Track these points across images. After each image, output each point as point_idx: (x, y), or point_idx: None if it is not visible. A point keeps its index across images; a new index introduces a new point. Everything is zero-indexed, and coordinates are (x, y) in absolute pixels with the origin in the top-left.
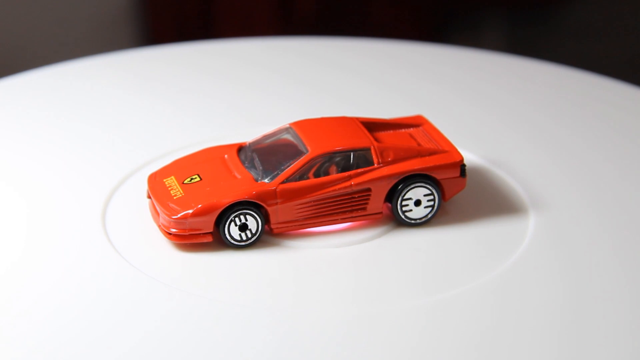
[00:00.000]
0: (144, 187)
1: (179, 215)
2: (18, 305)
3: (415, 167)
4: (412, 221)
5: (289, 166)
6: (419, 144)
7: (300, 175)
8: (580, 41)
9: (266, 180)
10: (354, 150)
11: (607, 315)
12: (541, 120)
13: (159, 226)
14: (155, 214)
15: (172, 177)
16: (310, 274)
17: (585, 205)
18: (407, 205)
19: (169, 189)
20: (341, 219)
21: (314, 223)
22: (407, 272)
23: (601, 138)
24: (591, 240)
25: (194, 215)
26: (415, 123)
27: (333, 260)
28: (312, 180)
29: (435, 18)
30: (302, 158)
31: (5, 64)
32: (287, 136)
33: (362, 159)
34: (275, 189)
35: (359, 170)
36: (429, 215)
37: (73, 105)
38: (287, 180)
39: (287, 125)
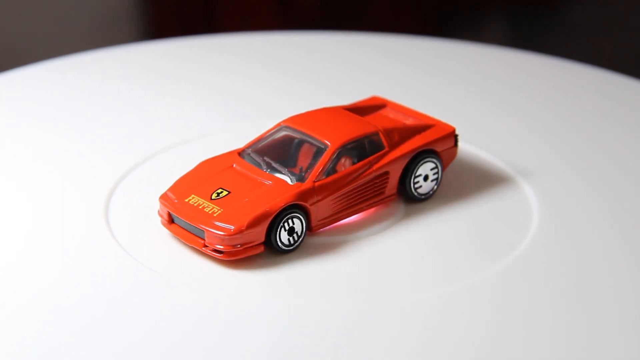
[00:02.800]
0: (155, 209)
1: (233, 230)
2: (21, 298)
3: (421, 144)
4: (422, 196)
5: (315, 163)
6: (404, 123)
7: (328, 169)
8: (583, 36)
9: (299, 181)
10: (366, 137)
11: (615, 306)
12: (545, 114)
13: (203, 248)
14: (191, 236)
15: (193, 195)
16: (310, 268)
17: (588, 195)
18: (418, 182)
19: (201, 207)
20: (366, 206)
21: (344, 215)
22: (411, 265)
23: (605, 131)
24: (595, 230)
25: (249, 226)
26: (378, 104)
27: (333, 255)
28: (341, 173)
29: (437, 12)
30: (325, 153)
31: (7, 57)
32: (288, 134)
33: (374, 144)
34: (314, 187)
35: (376, 156)
36: (435, 188)
37: (75, 99)
38: (320, 176)
39: (281, 124)
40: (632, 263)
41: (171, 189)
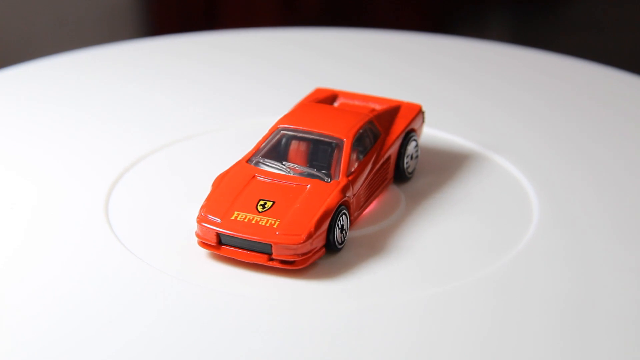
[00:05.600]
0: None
1: (303, 238)
2: (20, 293)
3: (406, 124)
4: (410, 175)
5: (340, 158)
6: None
7: (351, 163)
8: (585, 32)
9: (332, 178)
10: (366, 126)
11: (615, 304)
12: (545, 110)
13: (270, 262)
14: (250, 253)
15: (236, 211)
16: (311, 266)
17: (588, 190)
18: (407, 162)
19: (254, 222)
20: (377, 193)
21: (366, 206)
22: (412, 263)
23: (604, 125)
24: (596, 225)
25: (316, 228)
26: (331, 94)
27: (332, 253)
28: (361, 165)
29: (439, 9)
30: (345, 147)
31: (9, 54)
32: (291, 136)
33: (372, 132)
34: (349, 183)
35: (379, 142)
36: (416, 164)
37: (75, 96)
38: (349, 171)
39: (278, 127)
40: (632, 259)
41: (206, 210)
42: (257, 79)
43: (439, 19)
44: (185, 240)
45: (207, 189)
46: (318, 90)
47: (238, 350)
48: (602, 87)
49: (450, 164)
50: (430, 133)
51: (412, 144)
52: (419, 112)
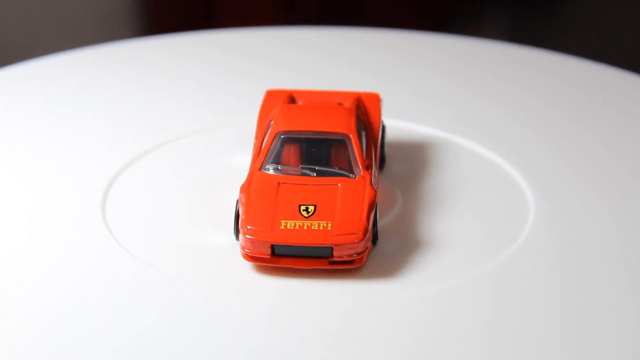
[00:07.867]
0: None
1: (360, 235)
2: (19, 294)
3: (379, 114)
4: (384, 163)
5: (353, 154)
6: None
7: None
8: (584, 31)
9: (355, 175)
10: (357, 120)
11: (611, 301)
12: (544, 108)
13: (330, 265)
14: (308, 260)
15: (282, 220)
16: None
17: (586, 189)
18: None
19: (306, 227)
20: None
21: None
22: (409, 261)
23: (601, 124)
24: (593, 223)
25: (368, 221)
26: (288, 95)
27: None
28: (368, 157)
29: (438, 8)
30: (353, 142)
31: (9, 54)
32: (294, 138)
33: (361, 124)
34: (372, 175)
35: (369, 134)
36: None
37: (75, 95)
38: (366, 165)
39: (277, 133)
40: (628, 257)
41: (250, 224)
42: (256, 78)
43: (437, 18)
44: (184, 239)
45: (206, 188)
46: (270, 93)
47: (238, 350)
48: (601, 85)
49: (447, 163)
50: (429, 132)
51: (384, 132)
52: (380, 101)
